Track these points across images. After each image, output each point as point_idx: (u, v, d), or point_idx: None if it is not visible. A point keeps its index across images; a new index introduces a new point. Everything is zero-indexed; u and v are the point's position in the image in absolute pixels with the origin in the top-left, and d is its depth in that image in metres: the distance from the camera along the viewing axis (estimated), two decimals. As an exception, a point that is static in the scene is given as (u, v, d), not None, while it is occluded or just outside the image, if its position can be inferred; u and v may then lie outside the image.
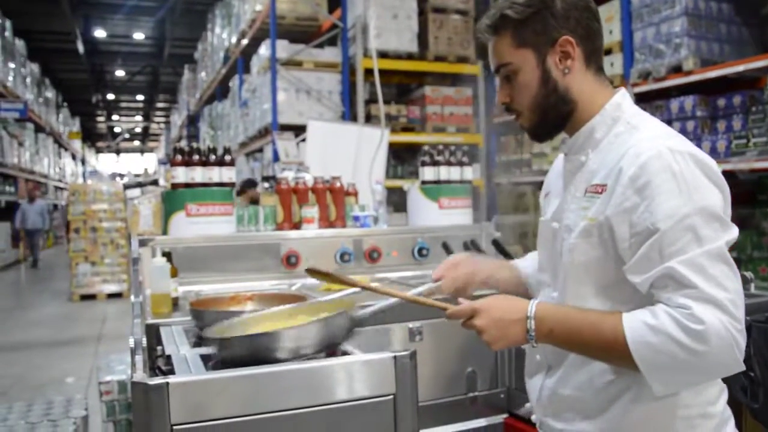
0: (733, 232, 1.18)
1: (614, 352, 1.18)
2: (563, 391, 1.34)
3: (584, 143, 1.34)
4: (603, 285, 1.27)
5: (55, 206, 21.32)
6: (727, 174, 5.10)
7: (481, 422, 2.41)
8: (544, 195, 1.50)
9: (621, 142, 1.27)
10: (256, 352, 1.33)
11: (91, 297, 10.23)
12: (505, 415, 2.50)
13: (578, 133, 1.34)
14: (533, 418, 1.48)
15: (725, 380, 1.30)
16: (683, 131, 4.91)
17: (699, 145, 4.77)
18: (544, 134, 1.39)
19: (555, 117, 1.34)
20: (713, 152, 4.67)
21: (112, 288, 10.41)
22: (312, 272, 1.54)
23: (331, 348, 1.42)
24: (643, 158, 1.19)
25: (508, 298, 1.30)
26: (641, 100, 5.34)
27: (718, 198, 1.18)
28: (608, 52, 5.74)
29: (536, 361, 1.42)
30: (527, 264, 1.61)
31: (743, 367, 1.14)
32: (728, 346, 1.10)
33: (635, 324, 1.16)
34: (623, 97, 1.35)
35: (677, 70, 4.93)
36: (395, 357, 1.36)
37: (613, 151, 1.27)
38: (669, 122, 5.08)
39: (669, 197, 1.15)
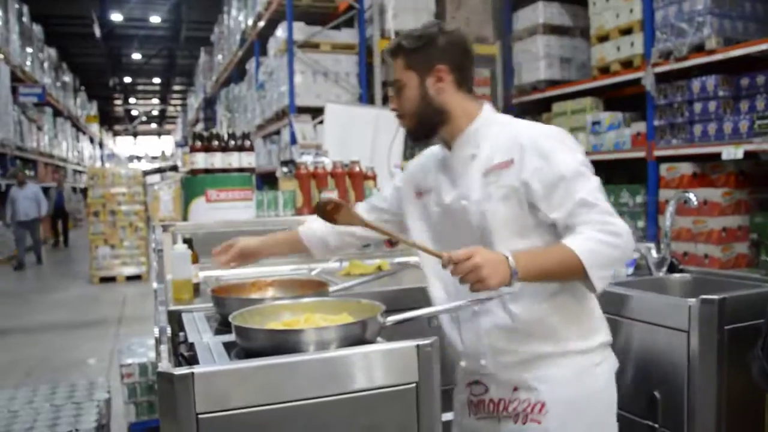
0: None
1: (571, 265, 1.52)
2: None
3: (471, 140, 1.70)
4: (524, 231, 1.64)
5: (74, 189, 21.49)
6: (749, 155, 4.99)
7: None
8: (416, 194, 1.83)
9: (506, 132, 1.67)
10: (277, 346, 1.35)
11: (110, 279, 10.36)
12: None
13: (464, 134, 1.70)
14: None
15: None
16: (705, 111, 4.83)
17: (721, 126, 4.74)
18: (420, 137, 1.76)
19: (429, 124, 1.72)
20: (735, 133, 4.59)
21: (131, 270, 10.52)
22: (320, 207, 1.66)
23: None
24: (535, 134, 1.64)
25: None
26: (662, 80, 5.25)
27: (583, 155, 1.64)
28: (629, 31, 5.63)
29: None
30: (312, 228, 2.04)
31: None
32: (629, 234, 1.56)
33: (577, 242, 1.54)
34: (490, 110, 1.75)
35: (699, 49, 4.84)
36: (418, 346, 1.36)
37: (502, 139, 1.65)
38: (690, 102, 4.99)
39: (563, 156, 1.60)
